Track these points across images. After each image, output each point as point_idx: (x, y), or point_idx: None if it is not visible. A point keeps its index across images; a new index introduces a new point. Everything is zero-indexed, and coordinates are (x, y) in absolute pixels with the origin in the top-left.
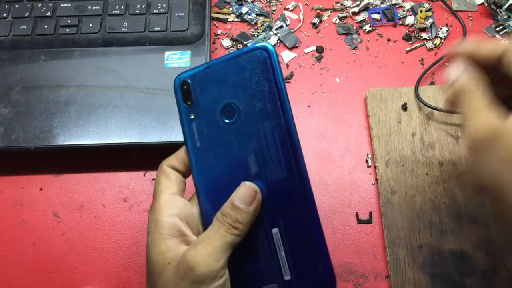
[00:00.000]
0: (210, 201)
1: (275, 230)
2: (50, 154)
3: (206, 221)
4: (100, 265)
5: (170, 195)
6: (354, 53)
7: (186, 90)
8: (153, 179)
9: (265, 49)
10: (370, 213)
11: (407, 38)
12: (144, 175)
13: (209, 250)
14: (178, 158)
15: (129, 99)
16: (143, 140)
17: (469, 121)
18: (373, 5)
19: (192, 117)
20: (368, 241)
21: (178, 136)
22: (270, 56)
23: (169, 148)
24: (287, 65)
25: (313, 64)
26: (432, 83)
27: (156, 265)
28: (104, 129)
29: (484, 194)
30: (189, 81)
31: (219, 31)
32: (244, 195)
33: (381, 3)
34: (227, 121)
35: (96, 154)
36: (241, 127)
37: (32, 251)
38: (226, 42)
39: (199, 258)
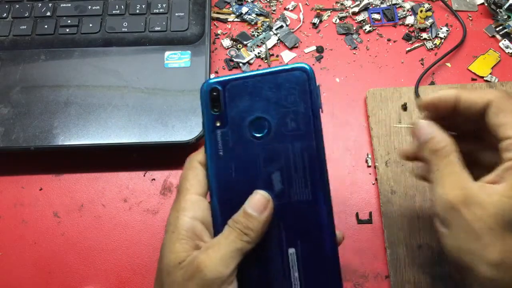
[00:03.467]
0: (224, 209)
1: (291, 250)
2: (50, 154)
3: (217, 227)
4: (100, 265)
5: (196, 196)
6: (354, 53)
7: (216, 96)
8: (153, 179)
9: (305, 70)
10: (370, 213)
11: (407, 38)
12: (144, 175)
13: (219, 254)
14: (204, 154)
15: (129, 99)
16: (143, 140)
17: (443, 180)
18: (373, 5)
19: (218, 124)
20: (368, 241)
21: (178, 136)
22: (310, 78)
23: (169, 148)
24: None
25: (313, 64)
26: (432, 83)
27: (166, 264)
28: (104, 129)
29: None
30: (220, 88)
31: (219, 31)
32: (256, 203)
33: (381, 3)
34: (256, 134)
35: (96, 154)
36: (269, 142)
37: (32, 251)
38: (226, 42)
39: (209, 262)
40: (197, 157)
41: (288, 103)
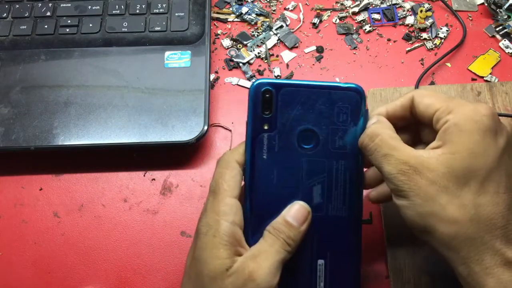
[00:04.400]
0: (258, 214)
1: (321, 262)
2: (50, 154)
3: (250, 232)
4: (100, 265)
5: (234, 199)
6: (354, 53)
7: (268, 98)
8: (153, 179)
9: (359, 92)
10: (370, 213)
11: (407, 38)
12: (144, 175)
13: (268, 264)
14: (242, 155)
15: (129, 99)
16: (143, 140)
17: (388, 157)
18: (373, 5)
19: (266, 127)
20: (368, 241)
21: (178, 136)
22: (362, 101)
23: (169, 148)
24: (287, 65)
25: (313, 64)
26: (432, 83)
27: (211, 270)
28: (104, 129)
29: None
30: (274, 91)
31: (219, 31)
32: (297, 213)
33: (381, 3)
34: (303, 145)
35: (96, 154)
36: (315, 155)
37: (32, 251)
38: (226, 42)
39: (261, 272)
40: (235, 157)
41: (339, 121)
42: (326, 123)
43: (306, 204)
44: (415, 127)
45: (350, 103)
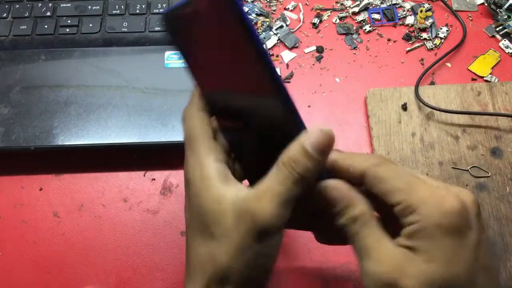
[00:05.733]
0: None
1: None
2: (50, 154)
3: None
4: (100, 265)
5: (210, 139)
6: (354, 53)
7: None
8: (153, 179)
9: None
10: None
11: (407, 38)
12: (144, 175)
13: (275, 205)
14: (201, 101)
15: (129, 99)
16: (143, 140)
17: (371, 253)
18: (373, 5)
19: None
20: None
21: (178, 136)
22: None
23: (169, 148)
24: (287, 65)
25: (313, 64)
26: (432, 83)
27: (212, 213)
28: (104, 129)
29: None
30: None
31: None
32: (320, 141)
33: (381, 3)
34: None
35: (96, 154)
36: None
37: (32, 251)
38: None
39: (264, 214)
40: (196, 106)
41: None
42: None
43: (330, 128)
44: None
45: None
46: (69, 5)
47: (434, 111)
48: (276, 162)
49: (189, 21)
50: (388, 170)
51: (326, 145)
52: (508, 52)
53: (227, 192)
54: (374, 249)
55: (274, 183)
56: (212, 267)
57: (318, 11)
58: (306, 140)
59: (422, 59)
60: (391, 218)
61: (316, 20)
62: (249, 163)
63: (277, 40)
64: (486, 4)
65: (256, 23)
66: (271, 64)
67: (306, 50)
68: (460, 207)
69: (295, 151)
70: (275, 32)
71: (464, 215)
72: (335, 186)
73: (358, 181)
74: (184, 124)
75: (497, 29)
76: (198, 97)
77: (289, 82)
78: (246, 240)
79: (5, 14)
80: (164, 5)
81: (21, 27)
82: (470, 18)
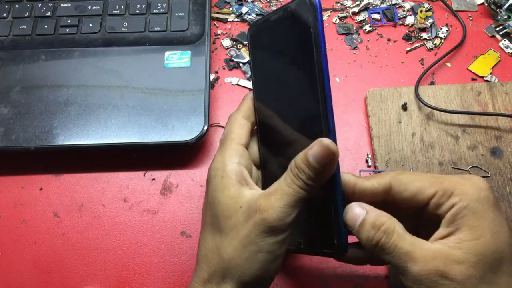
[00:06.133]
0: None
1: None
2: (50, 154)
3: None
4: (100, 265)
5: (240, 145)
6: (354, 53)
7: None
8: (153, 179)
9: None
10: None
11: (407, 38)
12: (144, 175)
13: (282, 203)
14: (249, 109)
15: (129, 99)
16: (143, 140)
17: (412, 256)
18: (373, 5)
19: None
20: None
21: (178, 136)
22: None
23: (169, 148)
24: None
25: None
26: (432, 83)
27: (226, 208)
28: (104, 129)
29: None
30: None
31: (219, 31)
32: (321, 154)
33: (381, 3)
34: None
35: (96, 154)
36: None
37: (32, 251)
38: (226, 42)
39: (272, 211)
40: (241, 113)
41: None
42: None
43: (333, 142)
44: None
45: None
46: (69, 5)
47: (434, 111)
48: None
49: (269, 32)
50: (410, 174)
51: (326, 157)
52: (508, 52)
53: (243, 192)
54: (412, 252)
55: (283, 185)
56: (216, 259)
57: None
58: (310, 151)
59: (422, 59)
60: (419, 225)
61: None
62: (270, 175)
63: None
64: (486, 4)
65: None
66: (329, 94)
67: None
68: (489, 184)
69: (300, 160)
70: None
71: (493, 191)
72: (354, 207)
73: (381, 198)
74: (225, 126)
75: (497, 29)
76: (247, 105)
77: None
78: (252, 234)
79: (5, 14)
80: (164, 5)
81: (21, 27)
82: (470, 18)
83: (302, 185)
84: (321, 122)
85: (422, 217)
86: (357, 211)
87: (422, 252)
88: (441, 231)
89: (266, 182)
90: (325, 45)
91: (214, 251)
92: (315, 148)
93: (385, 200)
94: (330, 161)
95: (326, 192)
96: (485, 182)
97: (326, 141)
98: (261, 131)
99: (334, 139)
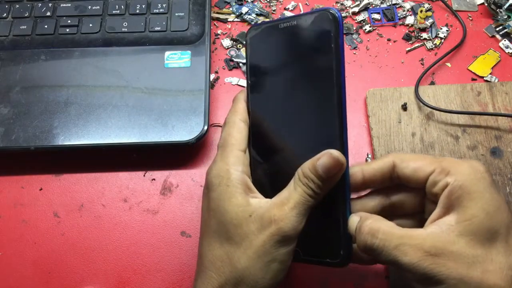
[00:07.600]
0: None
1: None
2: (50, 154)
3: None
4: (100, 265)
5: (241, 151)
6: (354, 53)
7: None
8: (153, 179)
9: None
10: None
11: (407, 38)
12: (144, 175)
13: (295, 212)
14: (245, 111)
15: (129, 99)
16: (143, 140)
17: (401, 248)
18: (373, 5)
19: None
20: None
21: (178, 136)
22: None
23: (169, 148)
24: None
25: None
26: (432, 83)
27: (235, 217)
28: (104, 129)
29: None
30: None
31: (219, 31)
32: (329, 165)
33: (381, 3)
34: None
35: (96, 154)
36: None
37: (32, 251)
38: (226, 42)
39: (287, 220)
40: (239, 116)
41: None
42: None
43: (341, 154)
44: (385, 192)
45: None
46: (69, 5)
47: (434, 111)
48: (294, 175)
49: (276, 38)
50: (411, 155)
51: (334, 168)
52: (508, 52)
53: (249, 200)
54: (401, 244)
55: (294, 193)
56: (228, 268)
57: None
58: (318, 161)
59: (422, 59)
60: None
61: None
62: (259, 179)
63: None
64: (486, 4)
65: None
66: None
67: None
68: (486, 167)
69: (308, 169)
70: None
71: (491, 174)
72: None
73: (388, 177)
74: (223, 128)
75: (497, 29)
76: (243, 107)
77: None
78: (267, 245)
79: (5, 14)
80: (164, 5)
81: (21, 27)
82: (470, 18)
83: (312, 193)
84: (333, 133)
85: (427, 199)
86: (353, 219)
87: (411, 242)
88: (437, 211)
89: (255, 185)
90: (344, 59)
91: (224, 259)
92: (325, 158)
93: (392, 180)
94: (337, 172)
95: (331, 202)
96: (483, 165)
97: (335, 153)
98: (253, 134)
99: (346, 151)
